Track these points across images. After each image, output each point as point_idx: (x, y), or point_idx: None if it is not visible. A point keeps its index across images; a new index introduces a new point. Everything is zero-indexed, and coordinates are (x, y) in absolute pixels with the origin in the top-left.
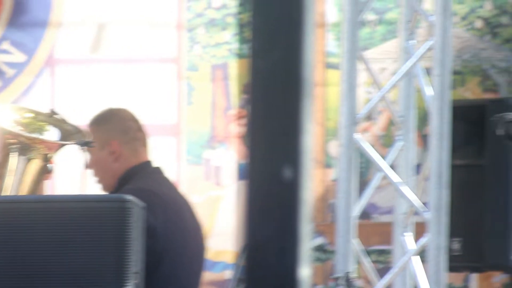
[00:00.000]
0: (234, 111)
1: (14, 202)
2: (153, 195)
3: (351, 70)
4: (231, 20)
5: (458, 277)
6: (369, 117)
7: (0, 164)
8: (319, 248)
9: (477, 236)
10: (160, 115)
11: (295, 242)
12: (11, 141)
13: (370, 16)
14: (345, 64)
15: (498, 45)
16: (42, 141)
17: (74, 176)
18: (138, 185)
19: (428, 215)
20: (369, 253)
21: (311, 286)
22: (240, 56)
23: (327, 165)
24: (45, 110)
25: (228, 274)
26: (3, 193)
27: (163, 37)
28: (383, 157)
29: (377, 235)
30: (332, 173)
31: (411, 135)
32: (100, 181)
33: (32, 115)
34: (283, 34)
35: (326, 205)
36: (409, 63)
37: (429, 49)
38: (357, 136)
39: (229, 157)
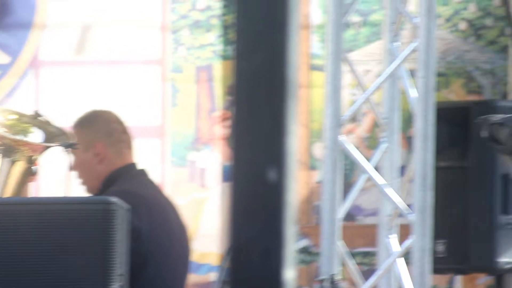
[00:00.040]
0: (218, 112)
1: None
2: (137, 197)
3: (335, 72)
4: (215, 21)
5: (442, 279)
6: (353, 119)
7: None
8: (304, 250)
9: (461, 238)
10: (144, 117)
11: (279, 244)
12: None
13: (354, 18)
14: (329, 66)
15: (482, 47)
16: (27, 143)
17: (58, 178)
18: (123, 187)
19: (412, 217)
20: (353, 255)
21: None
22: (225, 57)
23: (312, 167)
24: (30, 112)
25: (213, 276)
26: None
27: (147, 39)
28: (368, 159)
29: (361, 237)
30: (316, 175)
31: (395, 137)
32: (84, 183)
33: (16, 117)
34: (267, 35)
35: (310, 207)
36: (393, 65)
37: (413, 51)
38: (342, 138)
39: (214, 159)
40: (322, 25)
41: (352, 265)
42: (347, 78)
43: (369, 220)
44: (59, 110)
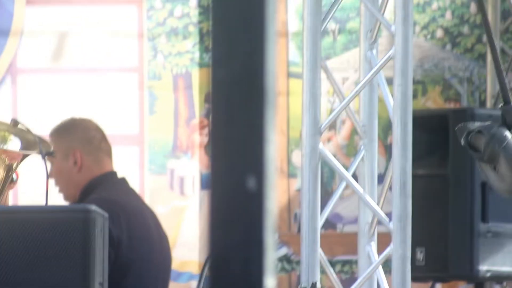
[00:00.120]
0: (197, 120)
1: None
2: (117, 206)
3: (313, 80)
4: (192, 29)
5: (422, 287)
6: (332, 127)
7: None
8: (284, 259)
9: (440, 246)
10: (122, 125)
11: (259, 252)
12: None
13: (331, 25)
14: (307, 73)
15: (459, 54)
16: (4, 151)
17: (37, 186)
18: (102, 195)
19: (391, 225)
20: (333, 263)
21: None
22: (202, 65)
23: (291, 175)
24: (7, 119)
25: (193, 284)
26: None
27: (124, 46)
28: (347, 166)
29: (341, 245)
30: (296, 183)
31: (374, 144)
32: (62, 191)
33: None
34: (244, 43)
35: (290, 215)
36: (370, 73)
37: (390, 58)
38: (321, 145)
39: (193, 166)
40: (300, 32)
41: (332, 273)
42: (324, 86)
43: (349, 228)
44: (37, 118)
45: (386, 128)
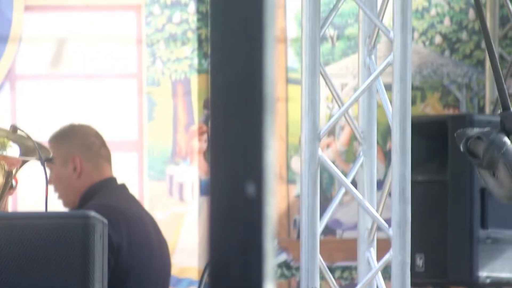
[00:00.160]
0: (196, 126)
1: None
2: (117, 212)
3: (312, 86)
4: (191, 35)
5: None
6: (331, 133)
7: None
8: (284, 265)
9: (440, 252)
10: (121, 131)
11: (259, 258)
12: None
13: (330, 32)
14: (306, 79)
15: (457, 60)
16: (4, 157)
17: (36, 193)
18: (101, 202)
19: (391, 231)
20: (333, 269)
21: None
22: (200, 71)
23: (290, 181)
24: (6, 126)
25: None
26: None
27: (123, 52)
28: (346, 172)
29: (341, 251)
30: (295, 189)
31: (373, 150)
32: (61, 198)
33: None
34: (243, 49)
35: (290, 221)
36: (369, 79)
37: (389, 64)
38: (320, 152)
39: (192, 172)
40: (298, 38)
41: (331, 279)
42: (323, 92)
43: (348, 234)
44: (36, 124)
45: (385, 134)
